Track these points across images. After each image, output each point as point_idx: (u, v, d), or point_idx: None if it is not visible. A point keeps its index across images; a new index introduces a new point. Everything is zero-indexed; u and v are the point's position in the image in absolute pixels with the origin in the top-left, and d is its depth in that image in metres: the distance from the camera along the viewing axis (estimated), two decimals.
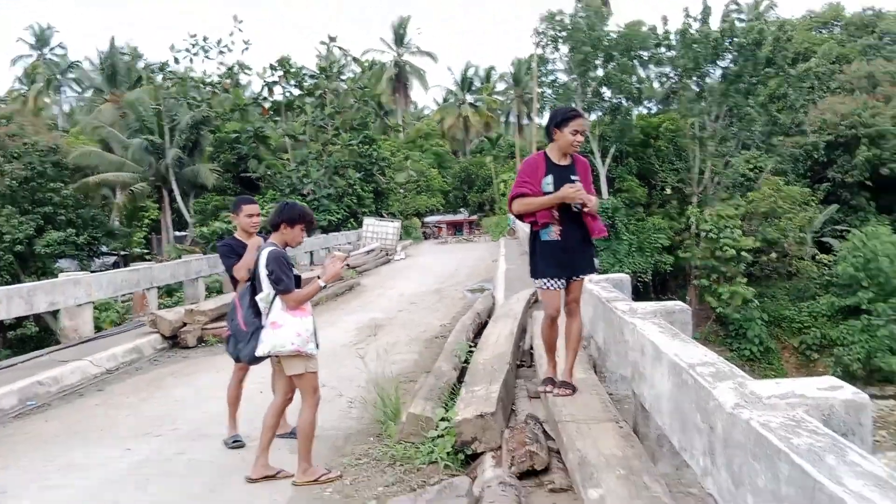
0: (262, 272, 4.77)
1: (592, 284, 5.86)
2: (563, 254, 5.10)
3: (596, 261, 5.31)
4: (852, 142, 40.17)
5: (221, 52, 35.31)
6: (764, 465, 1.98)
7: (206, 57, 35.26)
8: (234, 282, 5.93)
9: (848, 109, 40.57)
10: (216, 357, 10.02)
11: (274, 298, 4.77)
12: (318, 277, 4.87)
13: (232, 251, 5.97)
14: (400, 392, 6.32)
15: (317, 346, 4.90)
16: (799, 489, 1.75)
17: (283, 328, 4.71)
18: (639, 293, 35.89)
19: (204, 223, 31.94)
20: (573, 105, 39.62)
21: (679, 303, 4.76)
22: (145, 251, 35.41)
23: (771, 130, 38.55)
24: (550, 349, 5.41)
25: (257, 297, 4.85)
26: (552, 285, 5.17)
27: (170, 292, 19.52)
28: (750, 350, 33.43)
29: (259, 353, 4.80)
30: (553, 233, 5.08)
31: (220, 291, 16.66)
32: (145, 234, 38.04)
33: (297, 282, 4.87)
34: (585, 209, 4.97)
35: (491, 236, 39.44)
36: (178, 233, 39.32)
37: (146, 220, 37.82)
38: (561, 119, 5.02)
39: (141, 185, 34.77)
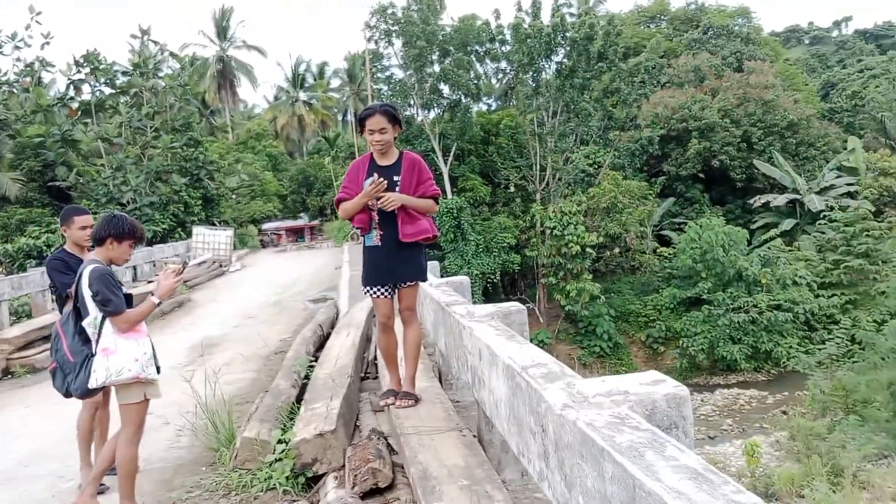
0: (86, 293, 4.44)
1: (432, 289, 5.96)
2: (385, 260, 5.14)
3: (436, 265, 5.38)
4: (684, 135, 43.18)
5: (17, 48, 32.80)
6: (591, 466, 2.07)
7: (0, 52, 32.75)
8: (63, 304, 5.50)
9: (678, 103, 43.56)
10: (26, 390, 9.44)
11: (103, 321, 4.46)
12: (151, 294, 4.63)
13: (67, 267, 5.52)
14: (234, 415, 6.18)
15: (158, 369, 4.67)
16: (622, 487, 1.85)
17: (117, 354, 4.42)
18: (489, 294, 36.76)
19: (7, 239, 29.66)
20: (410, 102, 40.14)
21: (515, 304, 4.91)
22: None
23: (607, 125, 40.67)
24: (390, 359, 5.45)
25: (84, 322, 4.51)
26: (378, 292, 5.24)
27: None
28: (600, 346, 34.77)
29: (93, 384, 4.45)
30: (374, 238, 5.13)
31: (29, 315, 15.52)
32: None
33: (129, 301, 4.60)
34: (386, 208, 4.94)
35: (335, 241, 39.22)
36: None
37: None
38: (358, 121, 5.12)
39: None
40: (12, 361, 10.51)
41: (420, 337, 5.44)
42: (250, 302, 16.69)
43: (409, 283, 5.22)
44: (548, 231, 35.75)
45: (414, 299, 5.31)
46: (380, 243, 5.11)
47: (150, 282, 19.79)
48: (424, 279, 5.34)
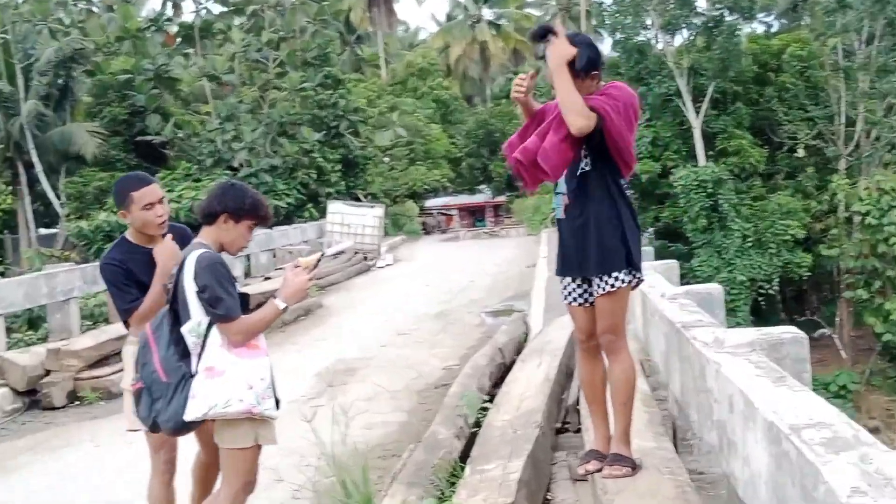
0: (189, 289, 4.41)
1: (665, 301, 5.87)
2: (568, 237, 5.06)
3: (674, 265, 5.27)
4: None
5: None
6: None
7: None
8: (129, 326, 5.36)
9: None
10: (97, 422, 10.05)
11: (209, 329, 4.44)
12: (275, 296, 4.58)
13: (126, 276, 5.26)
14: (373, 474, 6.35)
15: (277, 403, 4.61)
16: None
17: (225, 376, 4.36)
18: (760, 313, 35.94)
19: (82, 214, 31.57)
20: (647, 22, 39.68)
21: (791, 329, 4.76)
22: None
23: None
24: (592, 401, 5.40)
25: (183, 329, 4.46)
26: (568, 294, 5.18)
27: (32, 322, 19.33)
28: None
29: (190, 415, 4.37)
30: (561, 203, 5.10)
31: (106, 320, 16.44)
32: None
33: (244, 303, 4.57)
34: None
35: (527, 227, 39.50)
36: (44, 230, 39.10)
37: None
38: None
39: None
40: (82, 382, 11.08)
41: (632, 374, 5.20)
42: (403, 312, 17.13)
43: (602, 285, 4.91)
44: (857, 218, 34.40)
45: (616, 315, 5.04)
46: (564, 215, 5.06)
47: (267, 278, 20.65)
48: (617, 269, 4.91)
